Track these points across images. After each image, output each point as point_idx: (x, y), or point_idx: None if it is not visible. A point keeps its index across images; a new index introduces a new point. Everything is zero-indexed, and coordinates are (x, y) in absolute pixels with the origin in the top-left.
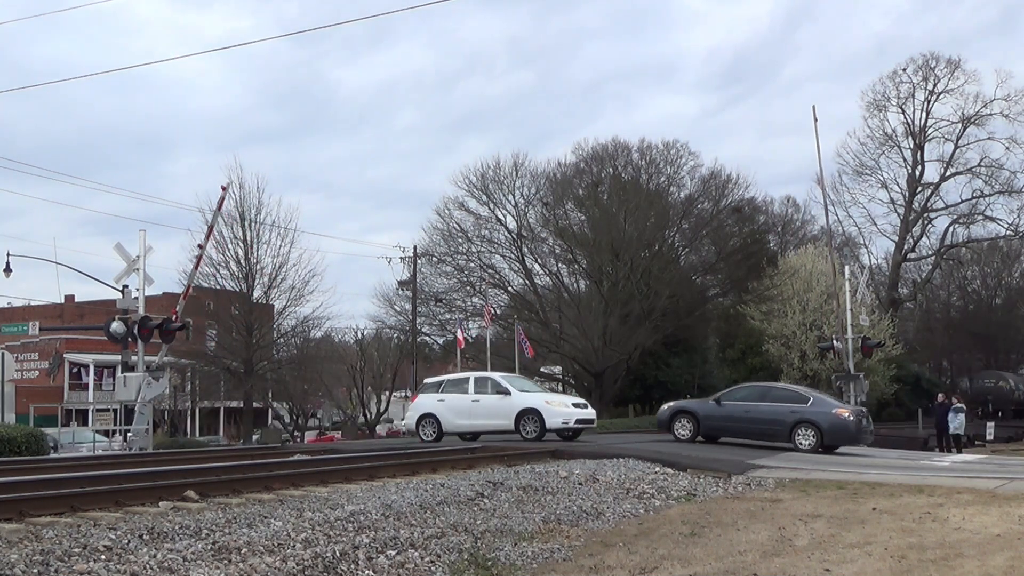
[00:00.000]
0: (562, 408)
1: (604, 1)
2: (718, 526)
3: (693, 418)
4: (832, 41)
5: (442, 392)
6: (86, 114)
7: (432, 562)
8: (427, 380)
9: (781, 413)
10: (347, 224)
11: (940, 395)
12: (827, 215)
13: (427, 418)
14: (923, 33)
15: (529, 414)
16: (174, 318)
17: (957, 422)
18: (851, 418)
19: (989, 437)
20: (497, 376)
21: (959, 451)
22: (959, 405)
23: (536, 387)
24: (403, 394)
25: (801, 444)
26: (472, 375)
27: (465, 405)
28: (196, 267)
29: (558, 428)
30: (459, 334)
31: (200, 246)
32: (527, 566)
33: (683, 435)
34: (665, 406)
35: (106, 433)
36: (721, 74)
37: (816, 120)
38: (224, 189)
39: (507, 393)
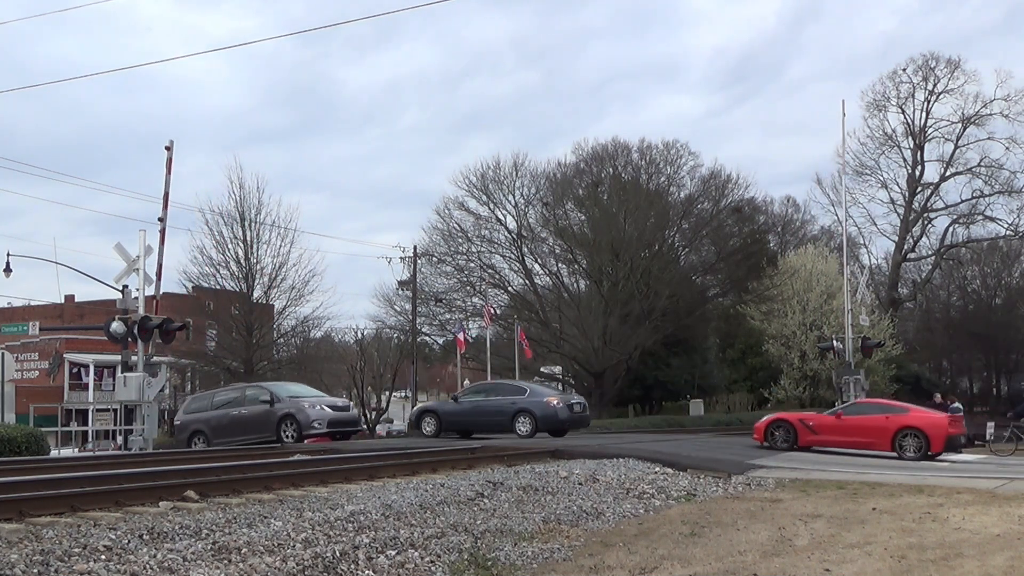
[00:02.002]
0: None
1: (609, 0)
2: (718, 526)
3: (435, 416)
4: (838, 41)
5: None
6: (89, 114)
7: (432, 562)
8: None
9: (503, 405)
10: (350, 224)
11: (938, 395)
12: (844, 209)
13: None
14: (929, 33)
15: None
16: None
17: None
18: (560, 405)
19: (989, 437)
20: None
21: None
22: (956, 405)
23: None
24: (403, 394)
25: (520, 431)
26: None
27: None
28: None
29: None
30: (460, 335)
31: (160, 219)
32: (527, 566)
33: (428, 431)
34: (415, 408)
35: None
36: (726, 74)
37: (844, 115)
38: (168, 149)
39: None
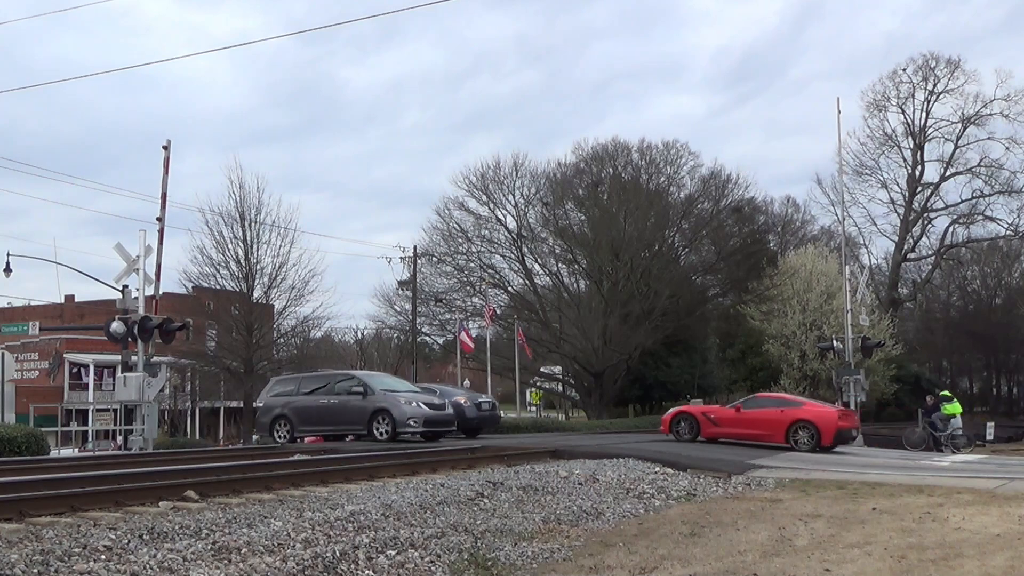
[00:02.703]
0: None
1: (612, 0)
2: (718, 526)
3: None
4: (841, 40)
5: None
6: (91, 113)
7: (432, 562)
8: None
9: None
10: (352, 224)
11: (929, 397)
12: (844, 209)
13: None
14: (931, 33)
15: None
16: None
17: (953, 422)
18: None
19: (989, 437)
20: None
21: (957, 451)
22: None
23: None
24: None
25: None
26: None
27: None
28: (161, 242)
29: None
30: (464, 337)
31: (159, 219)
32: (527, 566)
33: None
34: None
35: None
36: (729, 73)
37: (839, 112)
38: (166, 148)
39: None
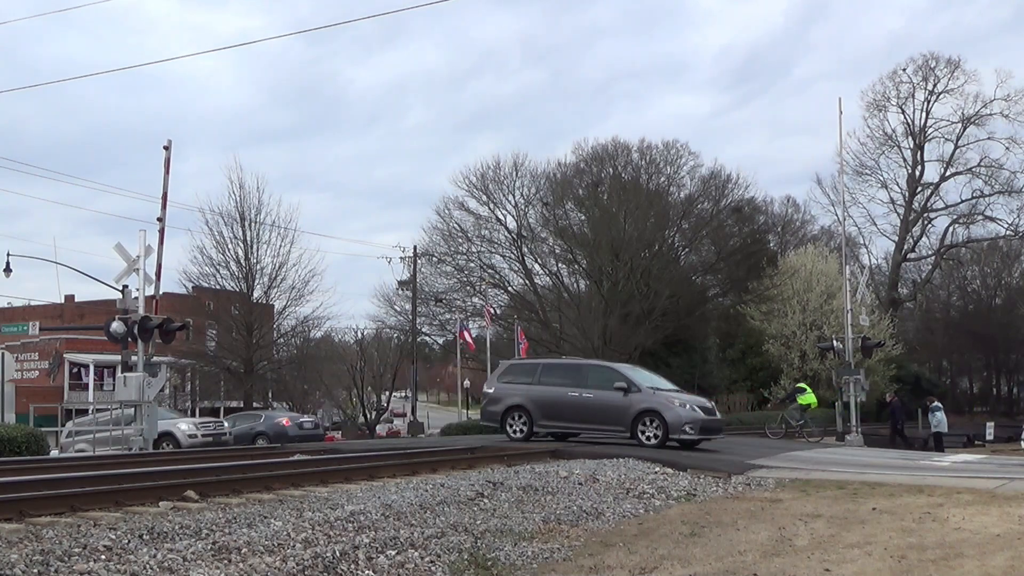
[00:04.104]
0: None
1: (616, 0)
2: (718, 526)
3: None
4: (846, 40)
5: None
6: (93, 113)
7: (432, 562)
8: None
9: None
10: (352, 224)
11: (888, 395)
12: (844, 209)
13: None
14: (936, 32)
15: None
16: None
17: (935, 420)
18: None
19: (989, 437)
20: None
21: (940, 450)
22: (936, 404)
23: None
24: (403, 394)
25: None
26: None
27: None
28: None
29: None
30: (467, 336)
31: (159, 219)
32: (527, 566)
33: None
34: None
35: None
36: (732, 73)
37: (841, 113)
38: (166, 148)
39: None
